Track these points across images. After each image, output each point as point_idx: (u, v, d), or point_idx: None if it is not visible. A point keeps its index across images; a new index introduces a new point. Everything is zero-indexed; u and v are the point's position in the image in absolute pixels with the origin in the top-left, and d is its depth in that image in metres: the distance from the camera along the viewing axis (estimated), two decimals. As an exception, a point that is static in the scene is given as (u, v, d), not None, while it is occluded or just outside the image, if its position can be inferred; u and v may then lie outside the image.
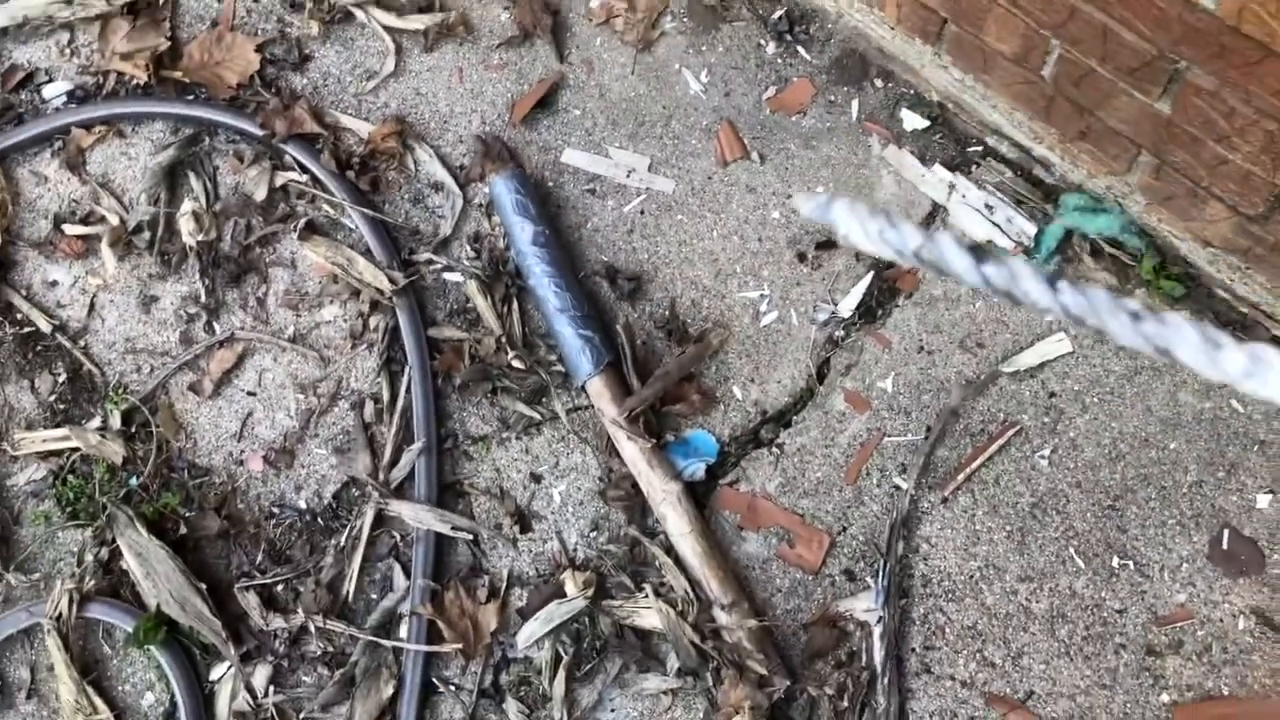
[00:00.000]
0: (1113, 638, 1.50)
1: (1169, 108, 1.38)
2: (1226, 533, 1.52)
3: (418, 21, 1.93)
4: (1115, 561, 1.53)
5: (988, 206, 1.70)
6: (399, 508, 1.67)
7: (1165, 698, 1.47)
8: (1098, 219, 1.63)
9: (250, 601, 1.64)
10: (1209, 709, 1.46)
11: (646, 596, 1.57)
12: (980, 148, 1.74)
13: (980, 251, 0.60)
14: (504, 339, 1.72)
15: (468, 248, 1.81)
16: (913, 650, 1.54)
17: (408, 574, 1.64)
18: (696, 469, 1.64)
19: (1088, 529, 1.54)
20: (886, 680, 1.51)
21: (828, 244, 1.74)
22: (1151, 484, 1.55)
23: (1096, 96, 1.46)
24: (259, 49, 1.94)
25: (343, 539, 1.67)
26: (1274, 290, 1.50)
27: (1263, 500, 1.52)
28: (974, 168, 1.73)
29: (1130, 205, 1.60)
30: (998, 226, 1.68)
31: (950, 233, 0.59)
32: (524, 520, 1.67)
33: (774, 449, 1.66)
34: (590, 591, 1.59)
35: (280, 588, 1.66)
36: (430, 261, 1.81)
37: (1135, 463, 1.56)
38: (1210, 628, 1.49)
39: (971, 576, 1.56)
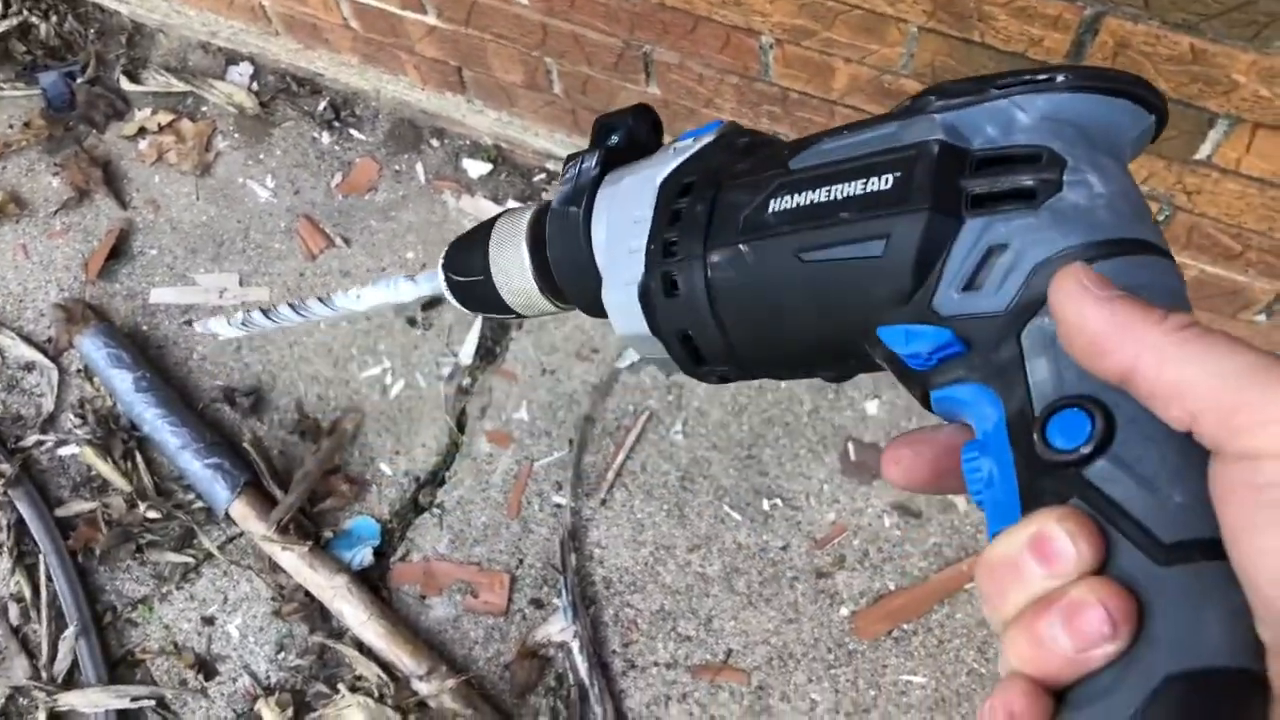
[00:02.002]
0: (784, 574, 1.59)
1: (659, 89, 1.50)
2: (851, 445, 1.64)
3: (-35, 211, 1.86)
4: (766, 504, 1.62)
5: (564, 224, 1.78)
6: (70, 699, 1.57)
7: (844, 611, 1.57)
8: (656, 206, 1.74)
9: None
10: (882, 608, 1.56)
11: (343, 696, 1.54)
12: (543, 175, 1.84)
13: (301, 302, 0.69)
14: (134, 494, 1.66)
15: (74, 417, 1.74)
16: (614, 652, 1.57)
17: (96, 765, 1.54)
18: (363, 555, 1.63)
19: (734, 483, 1.63)
20: (597, 689, 1.54)
21: (433, 302, 1.78)
22: (776, 424, 1.66)
23: (604, 98, 1.58)
24: None
25: (16, 755, 1.55)
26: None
27: (871, 406, 1.66)
28: (543, 194, 1.82)
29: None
30: (577, 239, 1.77)
31: (288, 301, 0.68)
32: (207, 667, 1.61)
33: (435, 510, 1.67)
34: (290, 712, 1.54)
35: (-41, 832, 1.52)
36: (40, 443, 1.72)
37: (757, 410, 1.67)
38: (863, 534, 1.60)
39: (646, 563, 1.61)
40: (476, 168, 1.85)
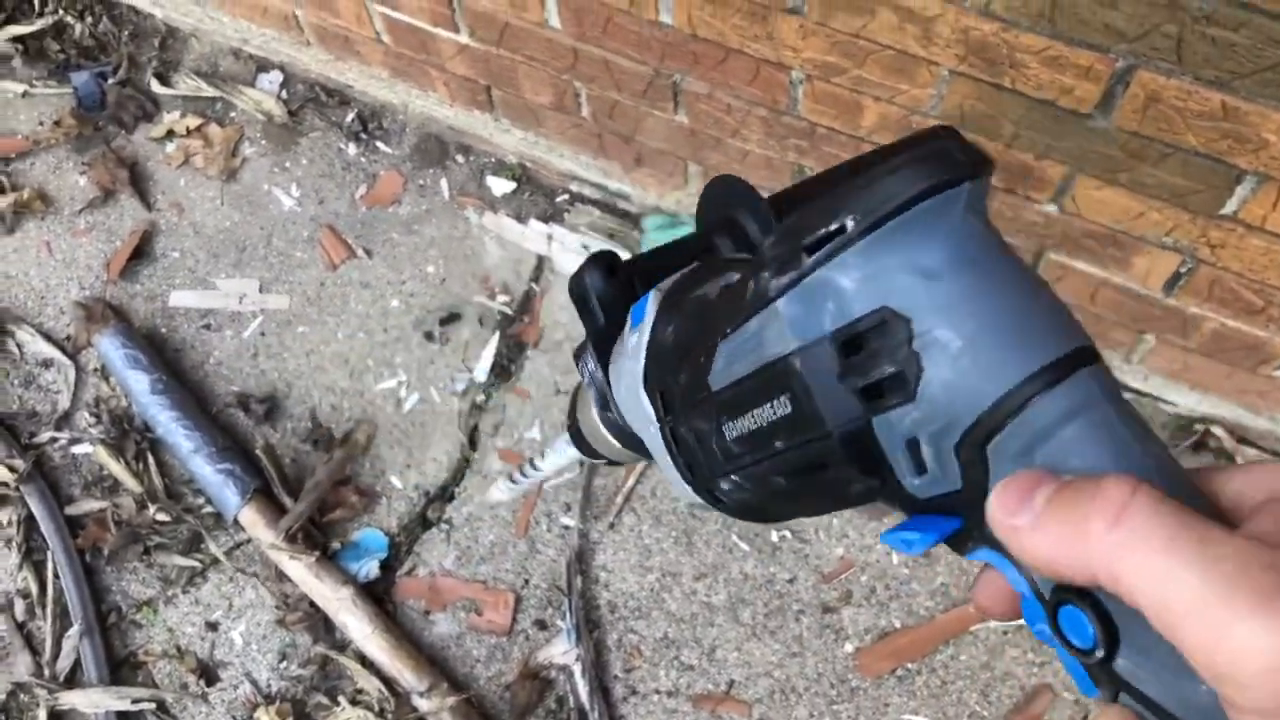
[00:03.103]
0: (790, 607, 1.58)
1: (686, 118, 1.51)
2: (862, 480, 1.64)
3: (-9, 206, 1.88)
4: (774, 536, 1.62)
5: (584, 246, 1.79)
6: (71, 699, 1.57)
7: (848, 647, 1.56)
8: (677, 233, 1.75)
9: None
10: (887, 646, 1.55)
11: (343, 709, 1.54)
12: (566, 195, 1.84)
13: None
14: (144, 496, 1.66)
15: (89, 416, 1.74)
16: (615, 677, 1.57)
17: (93, 766, 1.54)
18: (369, 568, 1.63)
19: (743, 513, 1.63)
20: (597, 714, 1.53)
21: (451, 318, 1.78)
22: (787, 456, 1.66)
23: (631, 123, 1.58)
24: None
25: (14, 752, 1.55)
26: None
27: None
28: (565, 215, 1.83)
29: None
30: (597, 261, 1.78)
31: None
32: (209, 672, 1.61)
33: (443, 526, 1.67)
34: (289, 722, 1.54)
35: (-46, 826, 1.52)
36: (54, 440, 1.73)
37: (769, 441, 1.67)
38: (871, 570, 1.59)
39: (652, 589, 1.61)
40: (500, 185, 1.85)
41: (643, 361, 0.48)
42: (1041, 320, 0.35)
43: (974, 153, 0.36)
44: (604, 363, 0.51)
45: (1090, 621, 0.31)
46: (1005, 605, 0.38)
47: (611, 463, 0.61)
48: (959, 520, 0.36)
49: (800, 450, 0.39)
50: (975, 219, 0.36)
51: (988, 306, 0.34)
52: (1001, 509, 0.32)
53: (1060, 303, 0.36)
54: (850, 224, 0.35)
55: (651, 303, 0.48)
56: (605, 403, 0.53)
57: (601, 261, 0.52)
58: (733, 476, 0.43)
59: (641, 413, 0.48)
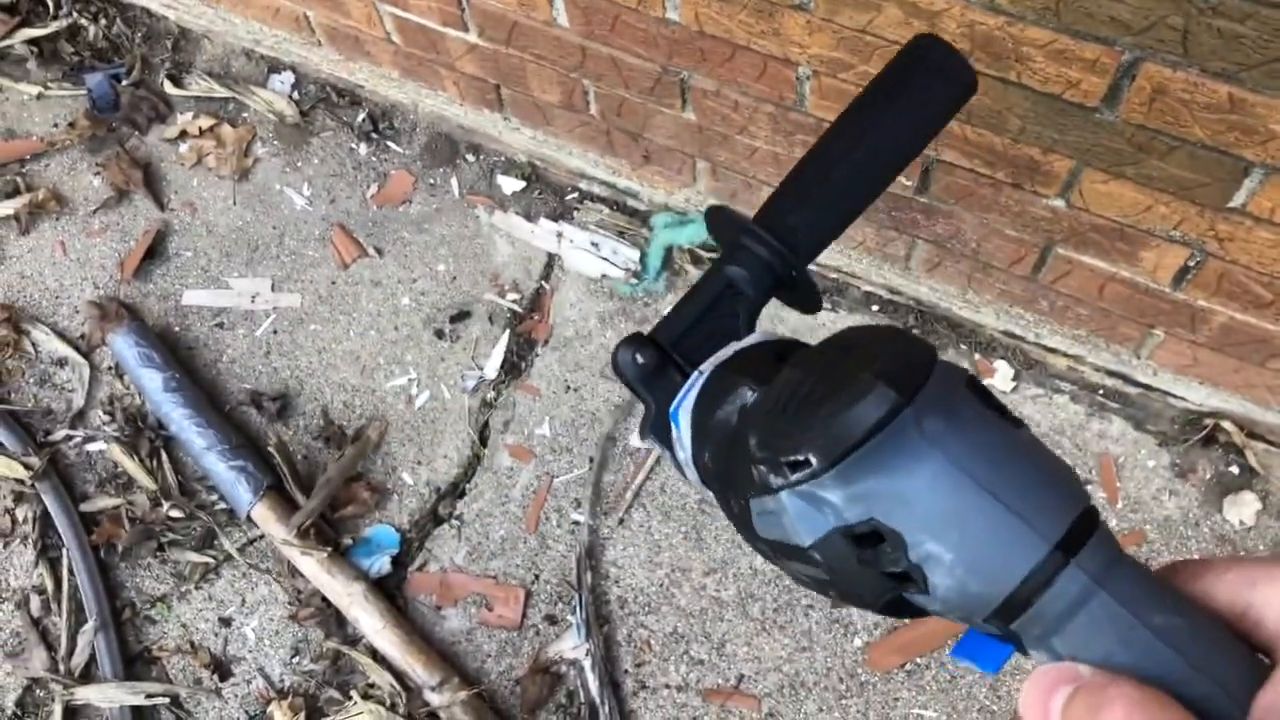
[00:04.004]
0: (799, 602, 1.59)
1: (694, 115, 1.52)
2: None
3: (7, 207, 1.89)
4: (783, 531, 1.62)
5: (594, 245, 1.80)
6: (86, 693, 1.58)
7: (858, 641, 1.56)
8: (686, 230, 1.76)
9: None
10: (896, 640, 1.56)
11: (355, 703, 1.55)
12: (576, 194, 1.85)
13: None
14: (158, 493, 1.68)
15: (103, 414, 1.76)
16: (625, 672, 1.57)
17: (108, 760, 1.56)
18: (381, 563, 1.64)
19: (752, 509, 1.63)
20: (607, 709, 1.54)
21: (461, 315, 1.79)
22: (797, 452, 1.66)
23: (639, 121, 1.59)
24: None
25: (30, 746, 1.57)
26: (844, 253, 1.66)
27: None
28: (575, 213, 1.84)
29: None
30: (607, 260, 1.78)
31: None
32: (222, 667, 1.62)
33: (454, 522, 1.68)
34: (302, 716, 1.55)
35: (-29, 819, 1.54)
36: (69, 437, 1.75)
37: (778, 437, 1.67)
38: (880, 565, 1.59)
39: (662, 585, 1.61)
40: (510, 184, 1.86)
41: (695, 470, 0.50)
42: (1029, 502, 0.37)
43: (918, 363, 0.39)
44: (662, 426, 0.54)
45: None
46: None
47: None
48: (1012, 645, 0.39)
49: (844, 593, 0.42)
50: (934, 419, 0.38)
51: (967, 516, 0.37)
52: (1029, 716, 0.36)
53: (1047, 464, 0.38)
54: (814, 460, 0.38)
55: (684, 425, 0.51)
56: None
57: (630, 347, 0.54)
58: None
59: (700, 487, 0.51)
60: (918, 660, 1.53)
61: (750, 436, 0.42)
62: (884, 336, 0.41)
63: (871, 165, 0.59)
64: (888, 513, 0.37)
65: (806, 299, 0.58)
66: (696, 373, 0.52)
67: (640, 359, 0.54)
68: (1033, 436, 0.39)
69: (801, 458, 0.38)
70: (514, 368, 1.76)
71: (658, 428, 0.54)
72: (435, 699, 1.53)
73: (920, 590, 0.38)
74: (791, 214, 0.57)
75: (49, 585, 1.66)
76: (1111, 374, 1.59)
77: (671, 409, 0.52)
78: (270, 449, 1.67)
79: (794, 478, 0.39)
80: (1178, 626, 0.35)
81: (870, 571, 0.39)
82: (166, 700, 1.59)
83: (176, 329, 1.82)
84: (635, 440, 1.54)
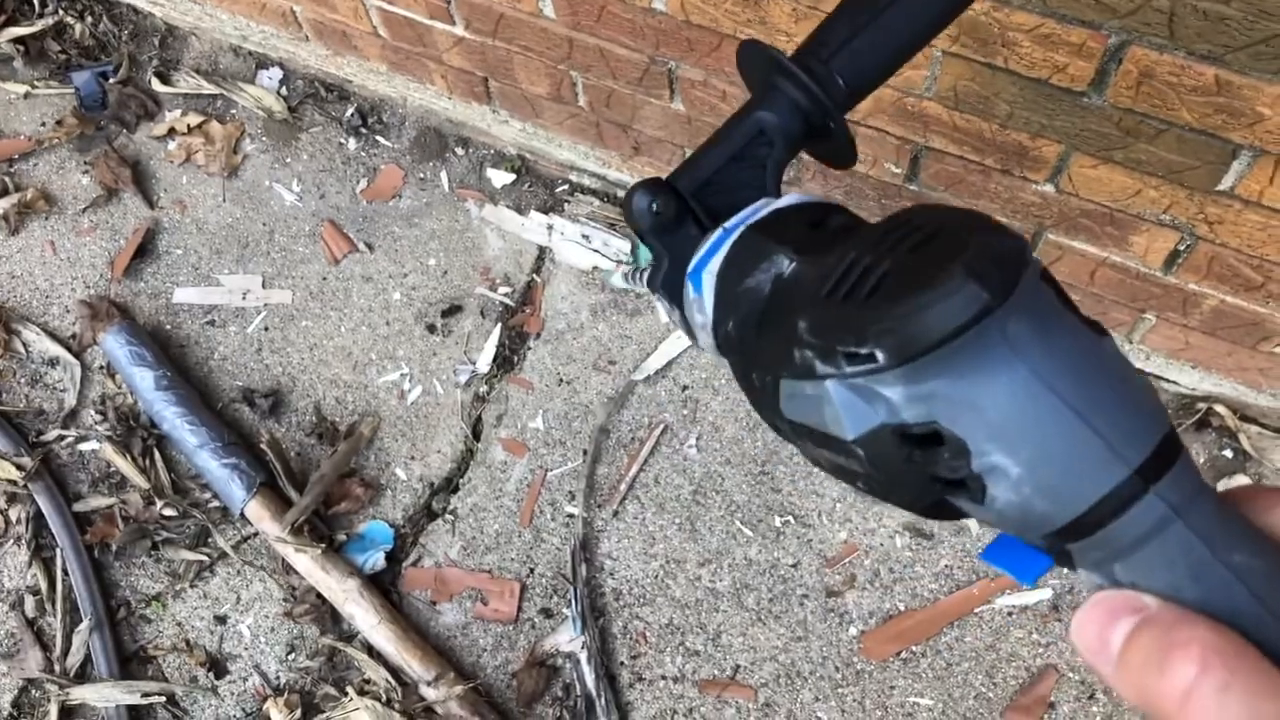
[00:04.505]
0: (794, 591, 1.59)
1: (683, 105, 1.51)
2: (865, 465, 1.64)
3: (-5, 206, 1.89)
4: (778, 521, 1.62)
5: (585, 237, 1.79)
6: (81, 693, 1.58)
7: (853, 630, 1.56)
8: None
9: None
10: (891, 629, 1.56)
11: (351, 699, 1.54)
12: (566, 186, 1.85)
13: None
14: (151, 492, 1.67)
15: (95, 413, 1.76)
16: (621, 664, 1.57)
17: (105, 759, 1.56)
18: (375, 559, 1.64)
19: (746, 499, 1.63)
20: (604, 701, 1.54)
21: (452, 310, 1.79)
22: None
23: (628, 112, 1.58)
24: None
25: (26, 746, 1.57)
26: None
27: (886, 426, 1.65)
28: (565, 205, 1.83)
29: (701, 200, 1.73)
30: (598, 252, 1.78)
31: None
32: (218, 665, 1.62)
33: (448, 517, 1.68)
34: (298, 713, 1.55)
35: (-31, 820, 1.54)
36: (61, 437, 1.74)
37: (771, 427, 1.67)
38: (875, 554, 1.59)
39: (657, 576, 1.61)
40: (500, 177, 1.86)
41: (711, 337, 0.47)
42: (1112, 421, 0.33)
43: (1010, 260, 0.34)
44: (674, 283, 0.50)
45: None
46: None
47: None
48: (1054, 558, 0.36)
49: (879, 489, 0.39)
50: (1020, 324, 0.34)
51: (1044, 431, 0.33)
52: (1084, 644, 0.33)
53: (1132, 381, 0.35)
54: (880, 357, 0.34)
55: (707, 288, 0.47)
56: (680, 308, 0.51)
57: (647, 193, 0.50)
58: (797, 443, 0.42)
59: (715, 354, 0.48)
60: (913, 648, 1.53)
61: (798, 318, 0.38)
62: (973, 224, 0.36)
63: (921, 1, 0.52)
64: (953, 418, 0.34)
65: (841, 152, 0.53)
66: (722, 230, 0.47)
67: (657, 207, 0.49)
68: (1116, 348, 0.35)
69: (865, 351, 0.34)
70: (506, 361, 1.76)
71: (670, 284, 0.50)
72: (431, 694, 1.53)
73: (974, 500, 0.35)
74: (834, 56, 0.51)
75: (43, 585, 1.66)
76: (1104, 359, 1.59)
77: (692, 268, 0.47)
78: (263, 446, 1.67)
79: (849, 370, 0.35)
80: (1257, 568, 0.32)
81: (917, 473, 0.36)
82: (163, 699, 1.58)
83: (168, 327, 1.81)
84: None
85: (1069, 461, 0.33)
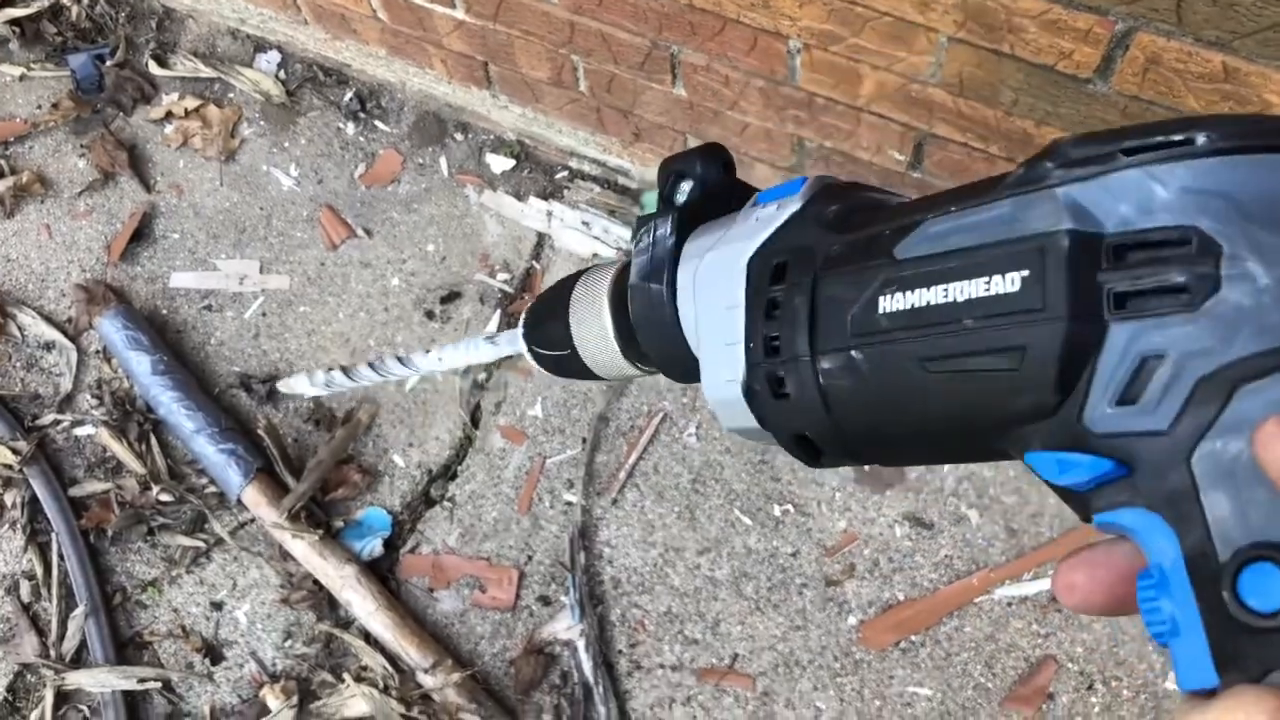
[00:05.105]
0: (793, 580, 1.58)
1: (685, 91, 1.50)
2: (864, 454, 1.63)
3: (-9, 189, 1.87)
4: (777, 510, 1.61)
5: (585, 223, 1.78)
6: (77, 678, 1.57)
7: (852, 620, 1.56)
8: (677, 207, 1.74)
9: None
10: (890, 618, 1.55)
11: (348, 686, 1.54)
12: (566, 172, 1.83)
13: (381, 362, 0.77)
14: (148, 477, 1.66)
15: (91, 398, 1.75)
16: (620, 652, 1.57)
17: (100, 745, 1.55)
18: (373, 546, 1.63)
19: (745, 488, 1.63)
20: (601, 689, 1.54)
21: (451, 296, 1.78)
22: (790, 430, 1.65)
23: (629, 97, 1.57)
24: None
25: (22, 732, 1.56)
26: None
27: (886, 415, 1.65)
28: (565, 191, 1.82)
29: (701, 187, 1.72)
30: (597, 238, 1.77)
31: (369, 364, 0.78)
32: (214, 652, 1.61)
33: (446, 504, 1.67)
34: (295, 700, 1.54)
35: (-37, 805, 1.53)
36: (57, 422, 1.73)
37: (771, 415, 1.66)
38: (874, 543, 1.59)
39: (655, 564, 1.61)
40: (500, 163, 1.85)
41: (765, 236, 0.43)
42: None
43: None
44: (680, 237, 0.48)
45: None
46: (1107, 589, 0.36)
47: (561, 371, 0.56)
48: (1124, 469, 0.33)
49: (993, 332, 0.35)
50: None
51: None
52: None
53: None
54: (1202, 140, 0.32)
55: (809, 184, 0.44)
56: (650, 275, 0.48)
57: (719, 153, 0.49)
58: (854, 352, 0.38)
59: (715, 293, 0.44)
60: (912, 638, 1.53)
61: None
62: None
63: None
64: (1222, 225, 0.32)
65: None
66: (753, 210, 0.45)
67: (720, 171, 0.48)
68: None
69: (1183, 137, 0.33)
70: (505, 348, 1.75)
71: (679, 225, 0.48)
72: (428, 681, 1.52)
73: (1171, 309, 0.32)
74: None
75: (39, 571, 1.65)
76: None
77: (794, 181, 0.45)
78: (260, 432, 1.66)
79: (1137, 158, 0.33)
80: None
81: (1099, 283, 0.33)
82: (158, 685, 1.58)
83: (164, 312, 1.80)
84: (626, 419, 1.50)
85: None
